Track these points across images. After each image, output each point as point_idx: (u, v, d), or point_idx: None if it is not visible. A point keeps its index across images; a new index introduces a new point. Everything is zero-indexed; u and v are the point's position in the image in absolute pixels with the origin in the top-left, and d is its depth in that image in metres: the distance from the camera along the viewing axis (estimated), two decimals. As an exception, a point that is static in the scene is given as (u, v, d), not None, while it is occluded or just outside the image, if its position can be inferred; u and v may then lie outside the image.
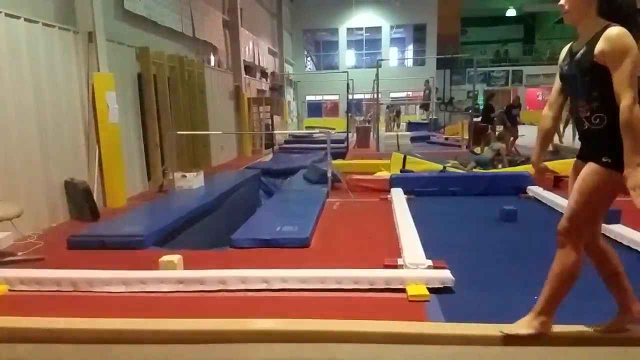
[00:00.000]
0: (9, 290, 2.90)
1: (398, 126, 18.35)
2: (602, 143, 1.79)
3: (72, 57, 5.16)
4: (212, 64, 10.48)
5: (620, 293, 1.95)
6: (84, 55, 5.32)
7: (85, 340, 2.12)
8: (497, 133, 9.78)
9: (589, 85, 1.80)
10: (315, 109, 25.13)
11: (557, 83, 2.03)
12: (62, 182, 4.92)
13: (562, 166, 6.40)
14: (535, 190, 5.53)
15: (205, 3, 9.68)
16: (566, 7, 1.83)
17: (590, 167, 1.82)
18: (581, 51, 1.83)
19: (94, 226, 4.45)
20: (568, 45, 1.96)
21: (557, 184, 6.09)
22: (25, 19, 4.43)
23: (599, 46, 1.75)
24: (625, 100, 1.69)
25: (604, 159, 1.77)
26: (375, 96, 13.44)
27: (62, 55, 4.98)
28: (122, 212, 4.99)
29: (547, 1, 22.06)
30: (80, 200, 4.86)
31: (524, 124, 13.19)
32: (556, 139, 11.60)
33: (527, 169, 6.33)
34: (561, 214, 5.26)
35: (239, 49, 11.67)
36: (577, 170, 1.93)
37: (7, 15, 4.20)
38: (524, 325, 1.99)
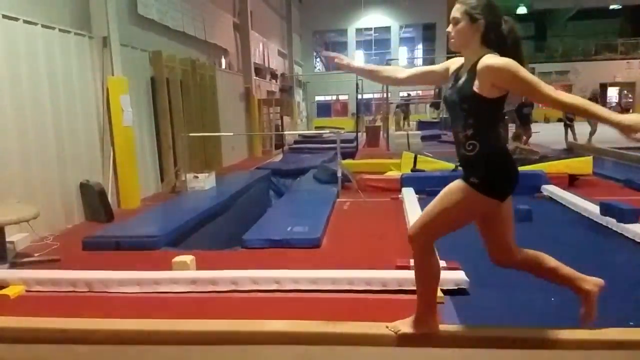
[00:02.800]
0: (26, 291, 2.97)
1: (408, 124, 18.25)
2: (473, 167, 1.84)
3: (87, 61, 5.25)
4: (223, 66, 10.56)
5: (569, 282, 1.95)
6: (98, 60, 5.41)
7: (103, 341, 2.16)
8: (512, 132, 9.73)
9: (466, 112, 1.84)
10: (324, 109, 25.16)
11: (432, 67, 2.10)
12: (77, 184, 5.01)
13: (576, 164, 6.36)
14: (550, 190, 5.46)
15: (216, 6, 9.76)
16: (452, 34, 1.85)
17: (457, 183, 1.88)
18: (463, 78, 1.85)
19: (109, 227, 4.52)
20: (458, 65, 1.96)
21: (573, 182, 6.01)
22: (42, 25, 4.52)
23: (477, 80, 1.77)
24: (549, 96, 1.70)
25: (471, 179, 1.83)
26: (385, 95, 13.41)
27: (78, 60, 5.07)
28: (136, 213, 5.06)
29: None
30: (95, 201, 4.94)
31: (536, 122, 13.05)
32: (571, 137, 11.46)
33: (542, 167, 6.28)
34: (577, 213, 5.13)
35: (249, 52, 11.75)
36: None
37: (25, 22, 4.29)
38: (409, 325, 2.04)
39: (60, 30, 4.78)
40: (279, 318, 2.34)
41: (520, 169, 7.21)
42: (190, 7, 8.24)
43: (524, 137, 10.34)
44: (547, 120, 22.00)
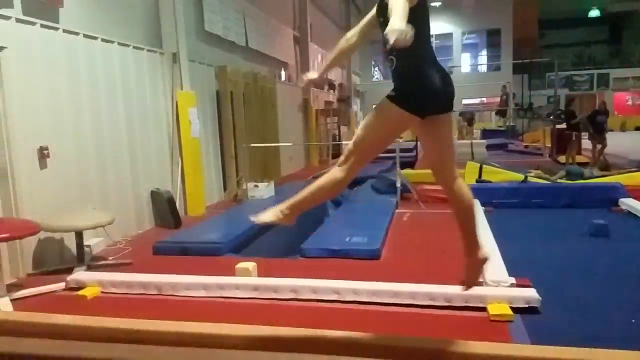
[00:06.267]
0: (101, 292, 3.17)
1: (472, 134, 17.56)
2: (395, 82, 1.87)
3: (158, 76, 5.59)
4: (283, 78, 10.82)
5: (467, 240, 1.95)
6: (168, 75, 5.74)
7: (175, 342, 2.22)
8: (601, 158, 9.23)
9: (381, 27, 1.81)
10: (382, 119, 24.90)
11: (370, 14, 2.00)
12: (148, 192, 5.31)
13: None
14: (628, 203, 5.00)
15: (277, 21, 10.05)
16: None
17: (382, 100, 1.90)
18: None
19: (177, 233, 4.73)
20: None
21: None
22: (119, 43, 4.88)
23: None
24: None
25: (390, 93, 1.86)
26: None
27: (150, 75, 5.41)
28: (201, 221, 5.26)
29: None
30: (165, 208, 5.21)
31: (611, 130, 12.10)
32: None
33: (619, 179, 5.77)
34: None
35: (308, 64, 11.94)
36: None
37: (103, 40, 4.65)
38: (270, 215, 2.09)
39: (134, 47, 5.13)
40: (339, 328, 2.30)
41: (595, 180, 6.68)
42: (253, 23, 8.54)
43: (599, 147, 9.62)
44: (623, 129, 20.24)
